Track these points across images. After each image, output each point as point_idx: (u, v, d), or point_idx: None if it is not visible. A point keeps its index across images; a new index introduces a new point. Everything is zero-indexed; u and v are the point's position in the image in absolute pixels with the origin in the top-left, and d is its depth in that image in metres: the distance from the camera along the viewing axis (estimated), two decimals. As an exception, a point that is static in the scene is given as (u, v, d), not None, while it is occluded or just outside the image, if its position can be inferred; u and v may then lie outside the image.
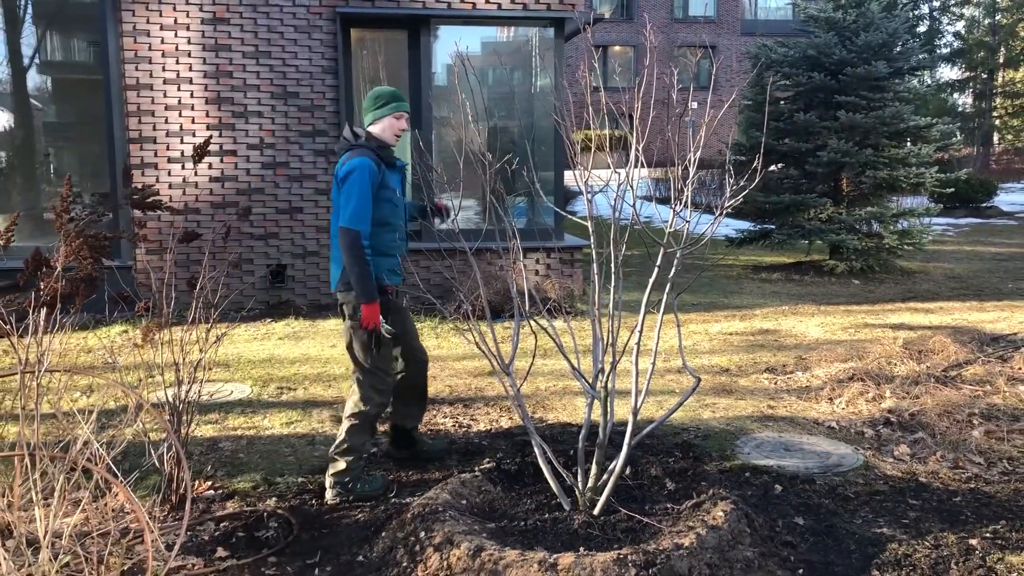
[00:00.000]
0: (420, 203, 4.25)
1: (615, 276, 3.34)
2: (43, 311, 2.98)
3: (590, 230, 3.47)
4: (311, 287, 8.61)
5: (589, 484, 3.36)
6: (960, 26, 36.01)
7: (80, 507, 3.00)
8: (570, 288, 8.80)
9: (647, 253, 3.47)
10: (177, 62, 8.21)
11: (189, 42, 8.21)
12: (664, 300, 3.38)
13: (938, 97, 32.96)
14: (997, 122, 34.39)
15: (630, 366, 3.46)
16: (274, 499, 3.81)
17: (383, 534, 3.32)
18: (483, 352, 3.39)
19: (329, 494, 3.78)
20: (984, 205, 19.05)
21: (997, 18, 34.14)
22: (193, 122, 8.28)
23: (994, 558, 3.15)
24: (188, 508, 2.93)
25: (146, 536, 2.70)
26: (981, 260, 12.40)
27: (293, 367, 6.21)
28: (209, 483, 3.96)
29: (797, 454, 4.32)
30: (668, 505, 3.42)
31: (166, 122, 8.25)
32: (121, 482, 2.71)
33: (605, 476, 3.33)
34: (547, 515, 3.34)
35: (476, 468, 3.89)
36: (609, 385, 3.40)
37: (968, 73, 35.02)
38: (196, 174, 8.28)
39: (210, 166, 8.31)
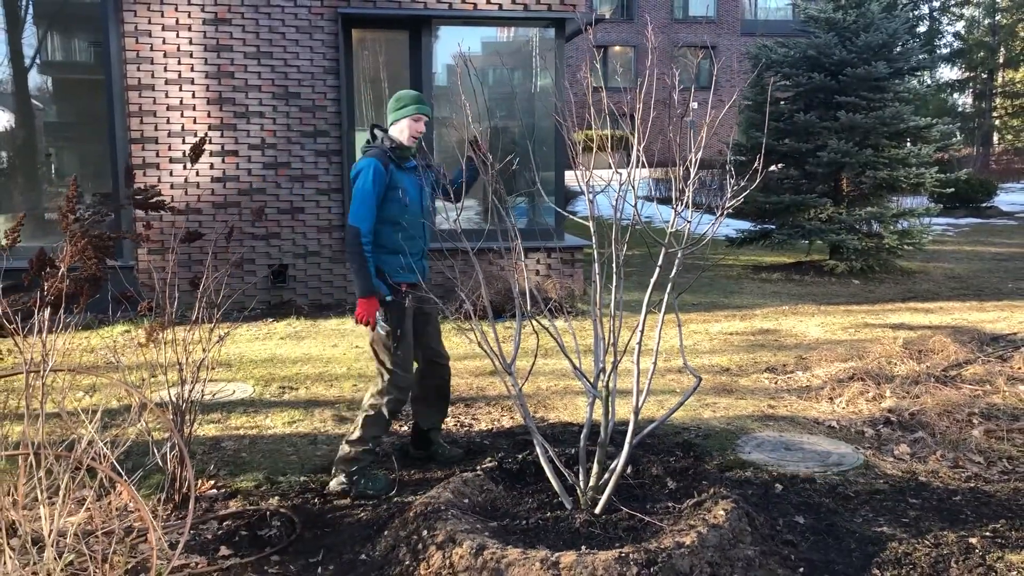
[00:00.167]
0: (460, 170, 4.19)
1: (616, 276, 3.35)
2: (47, 311, 3.00)
3: (591, 230, 3.48)
4: (312, 287, 8.63)
5: (591, 483, 3.38)
6: (960, 26, 36.03)
7: (84, 506, 3.02)
8: (571, 288, 8.81)
9: (648, 253, 3.48)
10: (179, 62, 8.22)
11: (191, 42, 8.22)
12: (665, 300, 3.39)
13: (938, 97, 32.97)
14: (997, 122, 34.40)
15: (631, 366, 3.48)
16: (277, 498, 3.82)
17: (386, 533, 3.33)
18: (485, 352, 3.41)
19: (333, 482, 3.84)
20: (984, 205, 19.06)
21: (997, 18, 34.15)
22: (195, 122, 8.30)
23: (994, 557, 3.17)
24: (192, 507, 2.94)
25: (150, 535, 2.71)
26: (981, 260, 12.42)
27: (295, 367, 6.23)
28: (212, 482, 3.97)
29: (797, 453, 4.34)
30: (669, 504, 3.43)
31: (168, 122, 8.27)
32: (125, 481, 2.72)
33: (606, 475, 3.35)
34: (549, 514, 3.36)
35: (478, 467, 3.90)
36: (610, 384, 3.41)
37: (968, 73, 35.03)
38: (197, 174, 8.29)
39: (211, 166, 8.33)
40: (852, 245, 10.68)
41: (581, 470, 3.40)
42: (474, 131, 4.04)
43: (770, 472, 4.06)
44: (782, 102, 11.62)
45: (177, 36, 8.20)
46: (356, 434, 3.88)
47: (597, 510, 3.30)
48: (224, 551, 3.29)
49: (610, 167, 3.52)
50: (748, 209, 11.57)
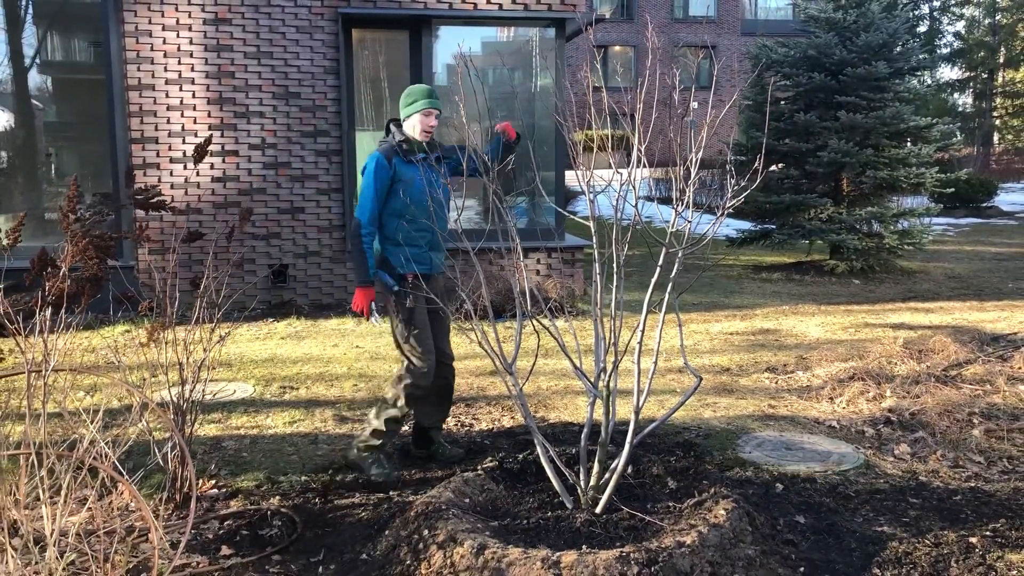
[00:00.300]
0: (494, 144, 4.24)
1: (617, 276, 3.36)
2: (49, 311, 3.00)
3: (592, 230, 3.48)
4: (313, 287, 8.63)
5: (591, 483, 3.38)
6: (960, 26, 36.03)
7: (86, 505, 3.02)
8: (571, 288, 8.82)
9: (648, 253, 3.48)
10: (179, 62, 8.23)
11: (191, 42, 8.23)
12: (665, 300, 3.40)
13: (938, 97, 32.97)
14: (997, 122, 34.40)
15: (632, 365, 3.48)
16: (278, 497, 3.83)
17: (386, 532, 3.34)
18: (486, 351, 3.41)
19: (353, 451, 4.05)
20: (984, 205, 19.06)
21: (997, 18, 34.14)
22: (195, 122, 8.30)
23: (994, 556, 3.17)
24: (193, 506, 2.95)
25: (152, 534, 2.71)
26: (981, 260, 12.42)
27: (295, 367, 6.23)
28: (213, 482, 3.98)
29: (798, 453, 4.34)
30: (670, 503, 3.43)
31: (168, 122, 8.27)
32: (127, 480, 2.73)
33: (607, 475, 3.35)
34: (550, 513, 3.36)
35: (479, 467, 3.91)
36: (611, 384, 3.41)
37: (968, 73, 35.02)
38: (198, 174, 8.29)
39: (212, 166, 8.33)
40: (852, 245, 10.68)
41: (582, 470, 3.41)
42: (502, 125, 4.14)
43: (771, 472, 4.06)
44: (782, 102, 11.62)
45: (177, 36, 8.20)
46: (373, 420, 4.05)
47: (598, 510, 3.31)
48: (225, 550, 3.29)
49: (610, 167, 3.52)
50: (748, 209, 11.57)
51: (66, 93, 9.69)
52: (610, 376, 3.41)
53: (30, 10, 8.96)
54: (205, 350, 3.75)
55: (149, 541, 3.16)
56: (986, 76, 34.39)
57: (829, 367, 5.97)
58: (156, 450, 3.60)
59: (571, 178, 9.61)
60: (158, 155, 8.28)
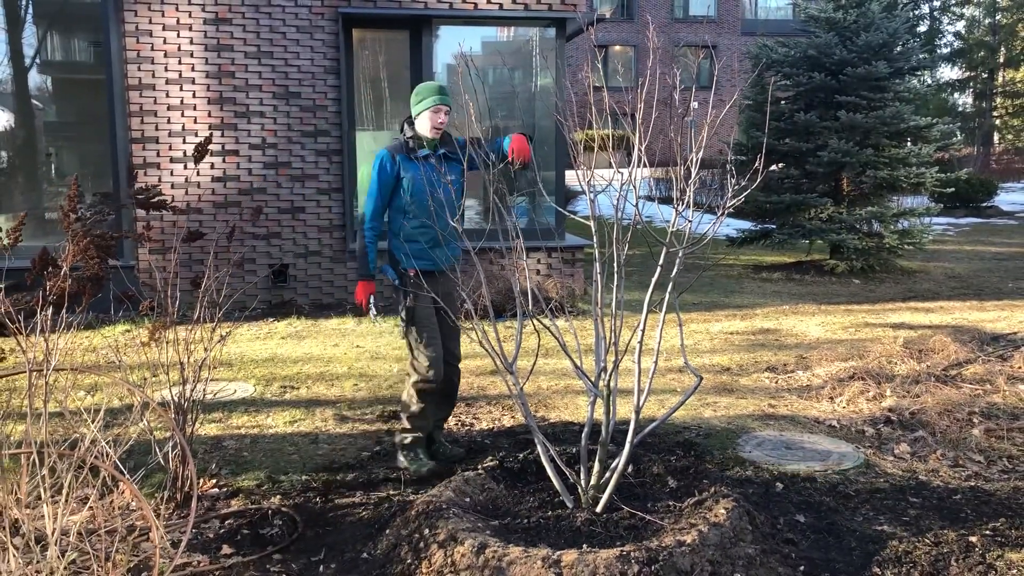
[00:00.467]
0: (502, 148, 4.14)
1: (617, 276, 3.36)
2: (50, 310, 3.00)
3: (592, 230, 3.49)
4: (313, 287, 8.64)
5: (592, 482, 3.39)
6: (960, 26, 36.04)
7: (87, 504, 3.02)
8: (572, 288, 8.82)
9: (649, 253, 3.49)
10: (179, 62, 8.23)
11: (191, 42, 8.23)
12: (666, 299, 3.40)
13: (938, 97, 32.98)
14: (997, 122, 34.40)
15: (632, 365, 3.49)
16: (278, 497, 3.83)
17: (387, 531, 3.34)
18: (486, 351, 3.42)
19: (397, 455, 4.20)
20: (984, 205, 19.07)
21: (997, 18, 34.15)
22: (195, 122, 8.31)
23: (994, 555, 3.17)
24: (194, 505, 2.95)
25: (153, 533, 2.72)
26: (981, 259, 12.42)
27: (296, 366, 6.24)
28: (214, 481, 3.98)
29: (798, 452, 4.35)
30: (670, 503, 3.44)
31: (168, 122, 8.27)
32: (128, 479, 2.73)
33: (608, 474, 3.36)
34: (550, 512, 3.36)
35: (479, 466, 3.92)
36: (611, 384, 3.42)
37: (968, 73, 35.03)
38: (198, 174, 8.30)
39: (212, 166, 8.33)
40: (852, 245, 10.68)
41: (582, 469, 3.41)
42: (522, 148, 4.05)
43: (771, 471, 4.07)
44: (783, 102, 11.62)
45: (178, 36, 8.21)
46: (401, 418, 4.18)
47: (598, 509, 3.31)
48: (226, 550, 3.30)
49: (611, 166, 3.53)
50: (749, 209, 11.58)
51: (66, 93, 9.70)
52: (610, 375, 3.41)
53: (30, 10, 8.97)
54: (206, 350, 3.76)
55: (150, 540, 3.17)
56: (986, 76, 34.39)
57: (829, 367, 5.98)
58: (157, 449, 3.61)
59: (571, 178, 9.62)
60: (158, 155, 8.28)
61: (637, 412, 3.33)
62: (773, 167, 11.52)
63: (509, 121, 9.19)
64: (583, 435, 3.43)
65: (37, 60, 9.10)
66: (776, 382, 5.81)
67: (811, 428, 4.79)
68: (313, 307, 8.45)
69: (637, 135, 3.47)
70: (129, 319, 7.47)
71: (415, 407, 4.13)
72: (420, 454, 4.13)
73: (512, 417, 4.97)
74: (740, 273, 11.19)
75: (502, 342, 3.48)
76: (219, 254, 4.11)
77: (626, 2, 31.61)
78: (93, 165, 9.02)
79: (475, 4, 8.53)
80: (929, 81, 31.73)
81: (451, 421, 4.86)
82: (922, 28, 33.14)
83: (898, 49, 11.36)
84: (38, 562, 2.68)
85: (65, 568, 2.68)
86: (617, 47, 31.28)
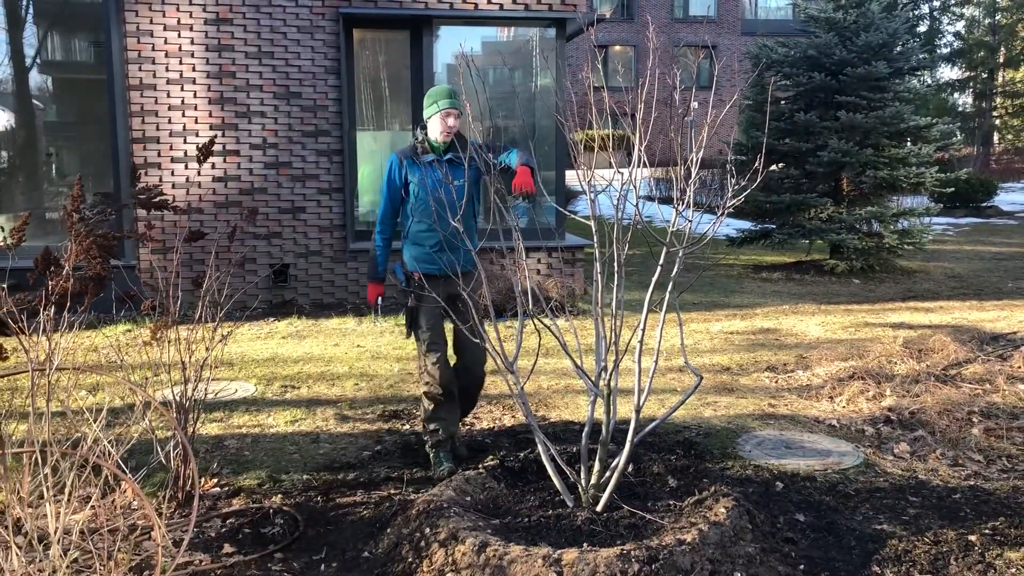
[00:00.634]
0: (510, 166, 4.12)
1: (617, 275, 3.37)
2: (52, 310, 3.02)
3: (593, 230, 3.50)
4: (314, 286, 8.65)
5: (592, 481, 3.40)
6: (960, 26, 36.03)
7: (89, 503, 3.03)
8: (572, 287, 8.83)
9: (649, 252, 3.50)
10: (180, 62, 8.24)
11: (192, 42, 8.24)
12: (666, 299, 3.41)
13: (938, 97, 32.98)
14: (997, 122, 34.40)
15: (632, 364, 3.50)
16: (280, 496, 3.84)
17: (388, 530, 3.35)
18: (487, 350, 3.43)
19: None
20: (984, 205, 19.07)
21: (997, 18, 34.14)
22: (196, 122, 8.32)
23: (993, 554, 3.19)
24: (195, 505, 2.96)
25: (155, 532, 2.73)
26: (981, 259, 12.43)
27: (296, 366, 6.25)
28: (215, 480, 3.99)
29: (798, 452, 4.36)
30: (670, 502, 3.45)
31: (169, 122, 8.28)
32: (130, 478, 2.74)
33: (608, 473, 3.37)
34: (551, 511, 3.37)
35: (480, 465, 3.93)
36: (612, 383, 3.43)
37: (968, 73, 35.02)
38: (199, 174, 8.31)
39: (213, 166, 8.34)
40: (852, 244, 10.69)
41: (583, 468, 3.42)
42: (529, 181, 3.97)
43: (771, 470, 4.08)
44: (782, 102, 11.63)
45: (179, 36, 8.22)
46: (422, 414, 4.26)
47: (599, 508, 3.32)
48: (228, 548, 3.31)
49: (611, 166, 3.53)
50: (748, 209, 11.59)
51: (67, 93, 9.71)
52: (611, 375, 3.42)
53: (31, 10, 8.98)
54: (207, 349, 3.77)
55: (152, 539, 3.18)
56: (986, 76, 34.39)
57: (829, 366, 5.99)
58: (159, 449, 3.62)
59: (572, 177, 9.63)
60: (159, 155, 8.29)
61: (637, 411, 3.34)
62: (773, 167, 11.53)
63: (509, 120, 9.20)
64: (583, 434, 3.44)
65: (38, 60, 9.11)
66: (776, 382, 5.82)
67: (811, 427, 4.80)
68: (314, 307, 8.47)
69: (637, 135, 3.48)
70: (131, 319, 7.48)
71: (425, 410, 4.20)
72: (441, 456, 4.15)
73: (513, 416, 4.98)
74: (740, 273, 11.19)
75: (503, 342, 3.49)
76: (220, 254, 4.13)
77: (626, 2, 31.61)
78: (94, 165, 9.03)
79: (475, 4, 8.54)
80: (929, 81, 31.73)
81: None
82: (922, 28, 33.14)
83: (898, 49, 11.36)
84: (40, 561, 2.69)
85: (67, 567, 2.69)
86: (617, 47, 31.29)
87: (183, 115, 8.30)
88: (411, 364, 6.26)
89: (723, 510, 3.17)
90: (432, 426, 4.20)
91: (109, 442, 3.00)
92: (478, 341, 3.58)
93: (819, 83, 11.03)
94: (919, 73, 12.62)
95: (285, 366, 6.25)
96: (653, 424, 3.45)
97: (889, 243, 10.86)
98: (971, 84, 35.26)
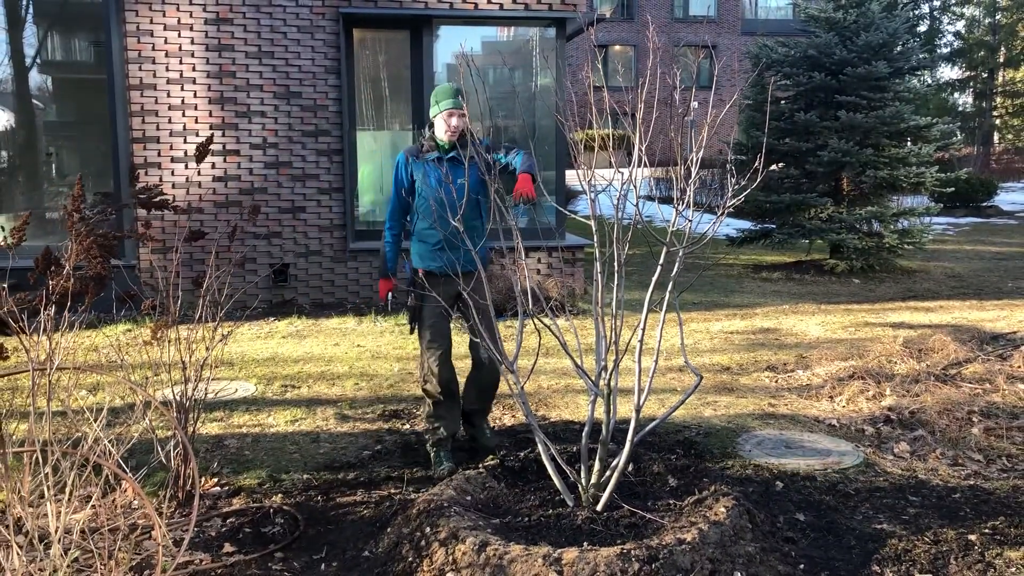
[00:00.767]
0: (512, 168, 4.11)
1: (617, 275, 3.37)
2: (53, 309, 3.02)
3: (593, 229, 3.50)
4: (314, 286, 8.65)
5: (592, 480, 3.40)
6: (960, 26, 36.04)
7: (90, 503, 3.04)
8: (572, 287, 8.83)
9: (649, 252, 3.50)
10: (180, 62, 8.24)
11: (192, 42, 8.24)
12: (666, 299, 3.41)
13: (938, 97, 32.98)
14: (997, 121, 34.40)
15: (632, 364, 3.50)
16: (280, 495, 3.85)
17: (388, 530, 3.35)
18: (487, 349, 3.43)
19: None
20: (984, 204, 19.07)
21: (997, 18, 34.15)
22: (196, 122, 8.32)
23: (993, 553, 3.19)
24: (196, 504, 2.96)
25: (156, 531, 2.73)
26: (981, 259, 12.43)
27: (297, 365, 6.25)
28: (215, 480, 4.00)
29: (798, 451, 4.36)
30: (670, 501, 3.45)
31: (169, 122, 8.28)
32: (130, 478, 2.74)
33: (608, 473, 3.37)
34: (551, 511, 3.38)
35: (480, 464, 3.93)
36: (612, 383, 3.43)
37: (968, 73, 35.03)
38: (199, 173, 8.31)
39: (213, 166, 8.34)
40: (852, 244, 10.69)
41: (583, 468, 3.42)
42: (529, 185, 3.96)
43: (771, 470, 4.08)
44: (783, 101, 11.63)
45: (179, 36, 8.22)
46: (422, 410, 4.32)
47: (599, 507, 3.32)
48: (228, 548, 3.31)
49: (611, 166, 3.54)
50: (749, 208, 11.59)
51: (67, 93, 9.71)
52: (611, 375, 3.42)
53: (31, 9, 8.98)
54: (207, 349, 3.77)
55: (152, 538, 3.18)
56: (986, 76, 34.39)
57: (829, 366, 5.99)
58: (159, 448, 3.62)
59: (572, 177, 9.63)
60: (159, 155, 8.29)
61: (637, 411, 3.34)
62: (773, 167, 11.53)
63: (509, 120, 9.20)
64: (584, 434, 3.44)
65: (38, 60, 9.11)
66: (776, 381, 5.82)
67: (811, 427, 4.80)
68: (314, 306, 8.47)
69: (637, 135, 3.48)
70: (131, 318, 7.48)
71: (425, 407, 4.27)
72: (441, 455, 4.17)
73: (513, 416, 4.98)
74: (740, 273, 11.20)
75: (503, 341, 3.49)
76: (220, 253, 4.12)
77: (626, 2, 31.61)
78: (94, 165, 9.03)
79: (475, 4, 8.54)
80: (929, 81, 31.73)
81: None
82: (922, 28, 33.15)
83: (898, 49, 11.36)
84: (41, 560, 2.69)
85: (68, 566, 2.69)
86: (617, 47, 31.29)
87: (183, 115, 8.30)
88: (411, 364, 6.27)
89: (723, 509, 3.17)
90: (432, 424, 4.23)
91: (110, 441, 3.01)
92: (478, 340, 3.59)
93: (819, 83, 11.03)
94: (919, 73, 12.63)
95: (285, 366, 6.25)
96: (653, 424, 3.45)
97: (889, 243, 10.87)
98: (971, 84, 35.27)
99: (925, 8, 34.32)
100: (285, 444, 4.55)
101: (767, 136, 10.53)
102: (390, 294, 4.29)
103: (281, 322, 7.83)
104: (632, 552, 2.83)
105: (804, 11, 12.16)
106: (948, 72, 37.52)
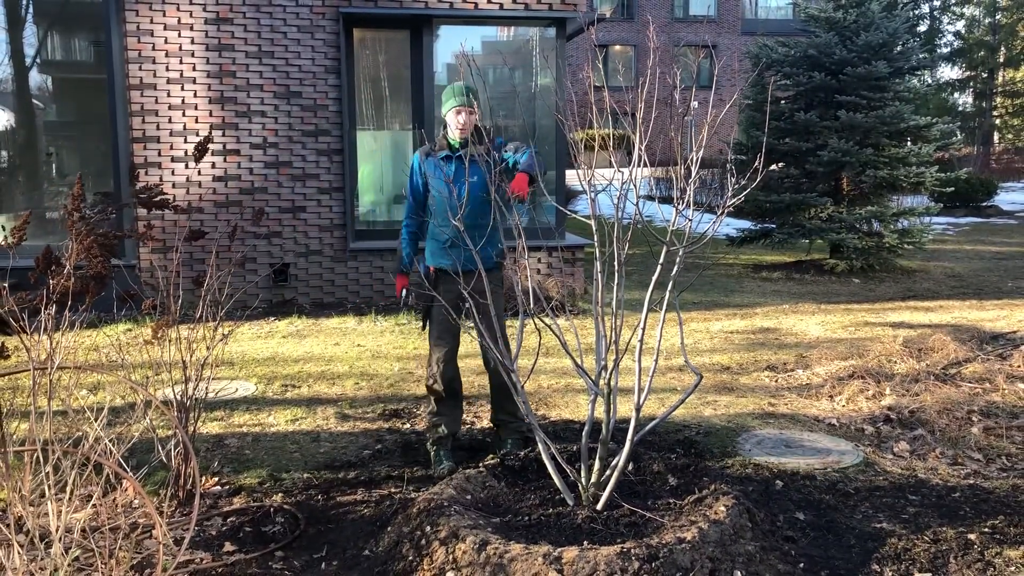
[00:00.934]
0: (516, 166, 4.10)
1: (617, 275, 3.38)
2: (53, 308, 3.02)
3: (593, 229, 3.50)
4: (314, 286, 8.65)
5: (592, 479, 3.40)
6: (960, 25, 36.05)
7: (91, 502, 3.04)
8: (572, 287, 8.84)
9: (649, 252, 3.51)
10: (181, 62, 8.25)
11: (192, 42, 8.25)
12: (666, 299, 3.41)
13: (938, 96, 32.99)
14: (997, 121, 34.41)
15: (632, 364, 3.50)
16: (280, 494, 3.85)
17: (389, 528, 3.36)
18: (488, 349, 3.43)
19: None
20: (984, 204, 19.07)
21: (997, 17, 34.15)
22: (196, 121, 8.32)
23: (992, 552, 3.19)
24: (196, 503, 2.96)
25: (157, 530, 2.73)
26: (981, 259, 12.44)
27: (297, 365, 6.25)
28: (216, 479, 4.00)
29: (798, 451, 4.36)
30: (670, 500, 3.45)
31: (170, 121, 8.29)
32: (131, 477, 2.75)
33: (608, 472, 3.37)
34: (551, 510, 3.38)
35: (480, 464, 3.93)
36: (612, 382, 3.43)
37: (968, 72, 35.04)
38: (199, 173, 8.31)
39: (213, 165, 8.35)
40: (852, 244, 10.70)
41: (583, 467, 3.43)
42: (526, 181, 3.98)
43: (770, 469, 4.08)
44: (783, 101, 11.64)
45: (179, 35, 8.22)
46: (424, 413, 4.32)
47: (599, 506, 3.33)
48: (228, 547, 3.31)
49: (611, 166, 3.54)
50: (749, 208, 11.59)
51: (67, 92, 9.71)
52: (611, 374, 3.43)
53: (31, 9, 8.98)
54: (208, 348, 3.78)
55: (153, 537, 3.18)
56: (986, 75, 34.40)
57: (829, 365, 5.99)
58: (160, 447, 3.63)
59: (572, 177, 9.63)
60: (159, 154, 8.30)
61: (637, 410, 3.35)
62: (773, 167, 11.54)
63: (510, 120, 9.21)
64: (584, 433, 3.44)
65: (38, 60, 9.11)
66: (776, 381, 5.83)
67: (811, 426, 4.81)
68: (314, 306, 8.47)
69: (637, 134, 3.49)
70: (131, 318, 7.49)
71: (431, 404, 4.29)
72: (441, 455, 4.18)
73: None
74: (740, 272, 11.20)
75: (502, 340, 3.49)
76: (220, 253, 4.13)
77: (626, 2, 31.61)
78: (94, 164, 9.04)
79: (475, 4, 8.55)
80: (929, 81, 31.73)
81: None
82: (922, 28, 33.16)
83: (898, 49, 11.37)
84: (42, 559, 2.69)
85: (69, 565, 2.70)
86: (617, 47, 31.29)
87: (183, 114, 8.30)
88: (411, 363, 6.27)
89: (723, 508, 3.18)
90: (430, 420, 4.26)
91: (110, 441, 3.01)
92: (479, 340, 3.59)
93: (819, 83, 11.03)
94: (919, 73, 12.63)
95: (285, 365, 6.26)
96: (653, 423, 3.46)
97: (889, 243, 10.87)
98: (971, 84, 35.27)
99: (925, 8, 34.34)
100: (285, 443, 4.56)
101: (767, 136, 10.53)
102: (404, 291, 4.33)
103: (281, 322, 7.84)
104: (632, 551, 2.84)
105: (804, 11, 12.17)
106: (948, 72, 37.56)
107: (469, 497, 3.46)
